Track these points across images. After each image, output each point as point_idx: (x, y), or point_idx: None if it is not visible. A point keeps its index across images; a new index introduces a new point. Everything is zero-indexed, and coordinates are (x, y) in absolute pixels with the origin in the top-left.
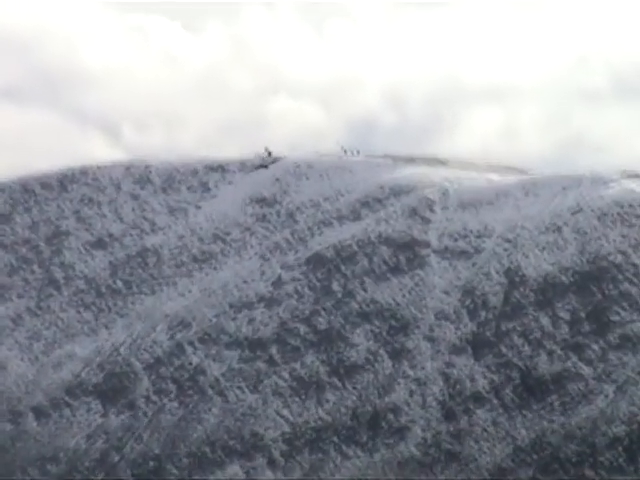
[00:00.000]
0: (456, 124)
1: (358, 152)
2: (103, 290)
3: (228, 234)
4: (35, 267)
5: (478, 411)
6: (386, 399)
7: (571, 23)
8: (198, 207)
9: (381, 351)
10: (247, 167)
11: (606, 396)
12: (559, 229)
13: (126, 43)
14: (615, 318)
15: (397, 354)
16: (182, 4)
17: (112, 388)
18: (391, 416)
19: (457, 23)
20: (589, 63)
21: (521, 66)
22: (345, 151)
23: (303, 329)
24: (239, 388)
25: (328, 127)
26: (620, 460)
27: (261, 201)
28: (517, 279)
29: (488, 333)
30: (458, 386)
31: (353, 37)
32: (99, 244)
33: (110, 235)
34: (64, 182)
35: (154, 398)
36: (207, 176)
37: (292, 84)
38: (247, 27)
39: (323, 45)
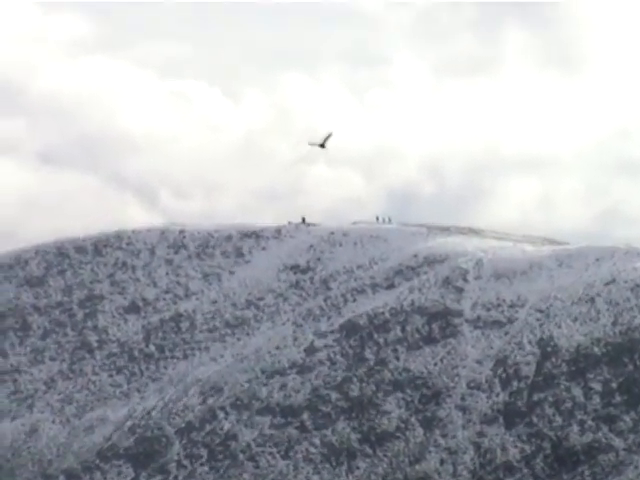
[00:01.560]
0: (493, 194)
1: (390, 220)
2: (136, 354)
3: (261, 300)
4: (68, 330)
5: None
6: (417, 467)
7: (610, 94)
8: (232, 273)
9: (413, 419)
10: (282, 234)
11: (636, 467)
12: (592, 300)
13: (166, 109)
14: None
15: (429, 423)
16: (222, 71)
17: (143, 452)
18: None
19: (497, 93)
20: (628, 134)
21: (560, 137)
22: (377, 219)
23: (335, 396)
24: (270, 454)
25: (367, 196)
26: None
27: (295, 268)
28: (549, 349)
29: (520, 403)
30: (489, 455)
31: (393, 107)
32: (133, 308)
33: (144, 299)
34: (99, 246)
35: (185, 463)
36: (241, 242)
37: (331, 152)
38: (288, 95)
39: (364, 114)
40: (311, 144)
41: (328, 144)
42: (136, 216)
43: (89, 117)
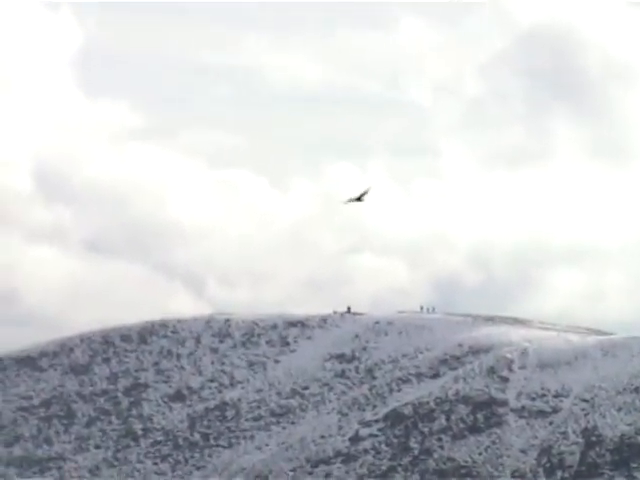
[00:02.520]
0: (540, 284)
1: (434, 309)
2: (181, 442)
3: (307, 389)
4: (113, 418)
5: None
6: None
7: None
8: (277, 361)
9: None
10: (327, 323)
11: None
12: (636, 390)
13: (214, 198)
14: None
15: None
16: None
17: None
18: None
19: (544, 184)
20: None
21: (607, 228)
22: (422, 308)
23: None
24: None
25: (412, 285)
26: None
27: (340, 357)
28: (594, 439)
29: None
30: None
31: (440, 196)
32: (178, 396)
33: (189, 388)
34: (144, 334)
35: None
36: (287, 331)
37: (377, 242)
38: (334, 184)
39: (410, 204)
40: (348, 200)
41: (366, 198)
42: (183, 305)
43: (137, 205)
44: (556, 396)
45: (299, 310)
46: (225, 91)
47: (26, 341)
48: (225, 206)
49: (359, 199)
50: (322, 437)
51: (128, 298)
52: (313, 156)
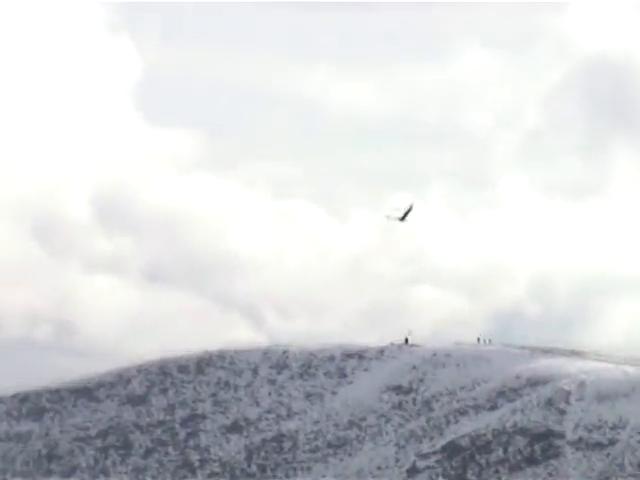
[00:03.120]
0: (600, 316)
1: (490, 341)
2: (238, 474)
3: (364, 420)
4: (170, 449)
5: None
6: None
7: None
8: (334, 393)
9: None
10: (384, 354)
11: None
12: None
13: (273, 229)
14: None
15: None
16: (329, 190)
17: None
18: None
19: (605, 214)
20: None
21: None
22: (479, 340)
23: None
24: None
25: (471, 316)
26: None
27: (397, 388)
28: None
29: None
30: None
31: (500, 227)
32: (235, 428)
33: (246, 419)
34: (201, 365)
35: None
36: (344, 362)
37: (437, 272)
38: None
39: (470, 234)
40: (390, 217)
41: (409, 218)
42: (241, 336)
43: (196, 236)
44: (613, 428)
45: (357, 341)
46: (286, 121)
47: (83, 371)
48: (284, 237)
49: (402, 219)
50: (379, 469)
51: (186, 329)
52: (372, 186)
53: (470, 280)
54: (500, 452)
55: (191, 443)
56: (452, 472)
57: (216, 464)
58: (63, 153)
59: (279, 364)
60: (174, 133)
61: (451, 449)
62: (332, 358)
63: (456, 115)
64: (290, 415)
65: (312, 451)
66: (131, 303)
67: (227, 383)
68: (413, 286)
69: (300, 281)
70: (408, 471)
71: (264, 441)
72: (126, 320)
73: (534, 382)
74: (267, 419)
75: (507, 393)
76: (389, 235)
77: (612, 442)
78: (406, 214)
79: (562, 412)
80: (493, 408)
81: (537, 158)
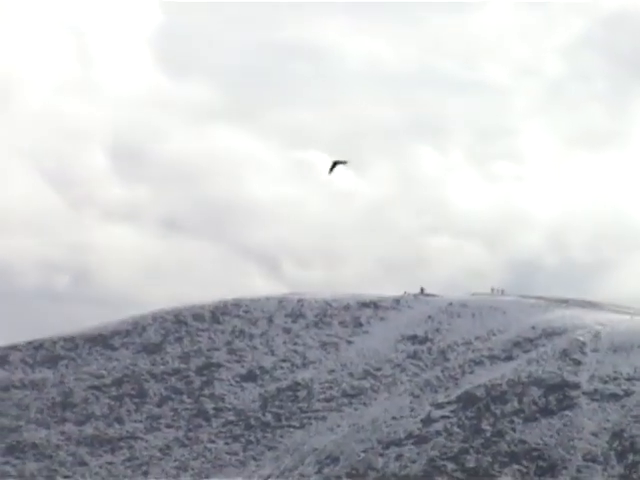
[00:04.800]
0: (617, 266)
1: (503, 292)
2: (252, 422)
3: (379, 370)
4: (185, 398)
5: None
6: None
7: None
8: (350, 342)
9: None
10: (400, 304)
11: None
12: None
13: (290, 179)
14: None
15: None
16: (347, 141)
17: None
18: None
19: (625, 165)
20: None
21: None
22: (492, 290)
23: (451, 467)
24: None
25: (488, 267)
26: None
27: (413, 338)
28: None
29: (635, 476)
30: None
31: (519, 178)
32: (250, 376)
33: (261, 368)
34: (216, 314)
35: None
36: (360, 312)
37: (455, 223)
38: (412, 165)
39: (489, 185)
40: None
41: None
42: (258, 285)
43: (213, 185)
44: (628, 379)
45: (374, 291)
46: (304, 72)
47: (99, 320)
48: (301, 187)
49: (331, 170)
50: (394, 419)
51: (202, 277)
52: (391, 137)
53: (488, 230)
54: (515, 402)
55: (206, 392)
56: (467, 422)
57: (231, 413)
58: (81, 103)
59: (294, 313)
60: (192, 83)
61: (466, 399)
62: (347, 307)
63: (477, 65)
64: (305, 364)
65: (327, 400)
66: (148, 252)
67: (242, 332)
68: (430, 236)
69: (317, 231)
70: (423, 421)
71: (279, 390)
72: (142, 269)
73: (549, 333)
74: (282, 368)
75: (522, 344)
76: (407, 185)
77: (627, 393)
78: (333, 167)
79: (577, 363)
80: (508, 358)
81: (557, 109)
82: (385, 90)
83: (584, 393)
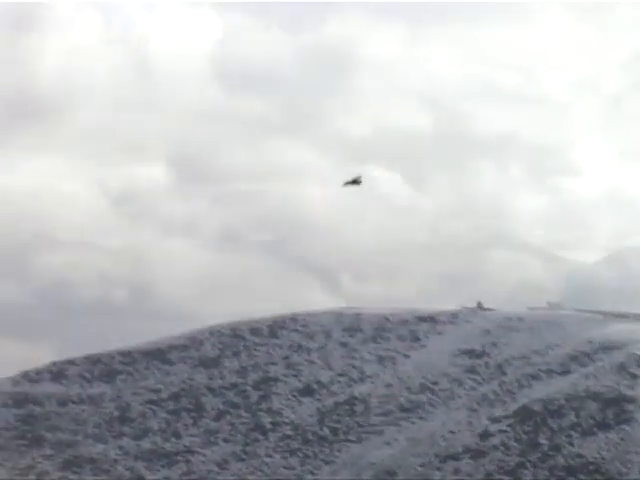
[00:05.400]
0: None
1: (559, 305)
2: (310, 437)
3: (436, 384)
4: (242, 412)
5: None
6: None
7: None
8: (407, 356)
9: None
10: (457, 318)
11: None
12: None
13: (349, 193)
14: None
15: None
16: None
17: None
18: None
19: None
20: None
21: None
22: (549, 304)
23: None
24: None
25: (546, 281)
26: None
27: (470, 352)
28: None
29: None
30: None
31: (576, 191)
32: (307, 391)
33: (318, 382)
34: (274, 328)
35: None
36: (417, 326)
37: (513, 237)
38: (471, 180)
39: (547, 198)
40: (345, 184)
41: (361, 180)
42: (316, 299)
43: (272, 199)
44: None
45: (433, 305)
46: (361, 85)
47: (156, 334)
48: (360, 201)
49: (355, 182)
50: (451, 433)
51: (260, 291)
52: (450, 151)
53: (546, 245)
54: (572, 416)
55: (263, 406)
56: (524, 436)
57: (288, 427)
58: (141, 118)
59: (352, 327)
60: (252, 98)
61: (523, 413)
62: (405, 321)
63: (536, 79)
64: (362, 378)
65: (384, 414)
66: (206, 266)
67: (300, 346)
68: (488, 250)
69: (375, 245)
70: (480, 435)
71: (336, 404)
72: (200, 283)
73: (607, 347)
74: (339, 382)
75: (579, 358)
76: (465, 200)
77: None
78: (349, 183)
79: (634, 377)
80: (565, 373)
81: (615, 123)
82: (444, 105)
83: None
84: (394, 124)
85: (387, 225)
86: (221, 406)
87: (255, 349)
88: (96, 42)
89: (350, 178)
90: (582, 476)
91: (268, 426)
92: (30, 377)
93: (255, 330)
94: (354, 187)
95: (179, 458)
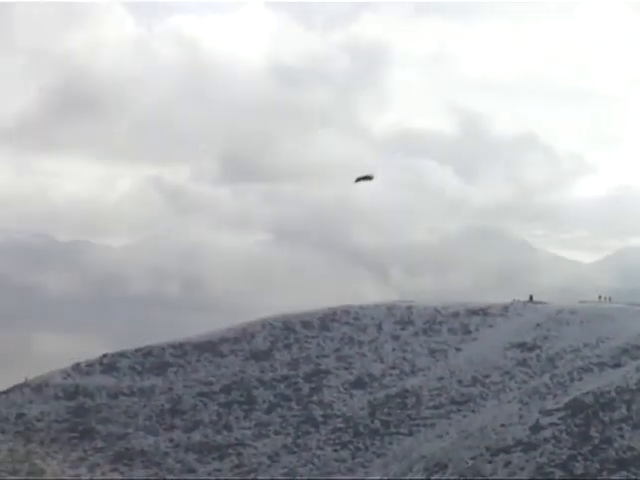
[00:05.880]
0: None
1: (610, 299)
2: (361, 429)
3: (487, 377)
4: (294, 404)
5: None
6: None
7: None
8: (458, 349)
9: None
10: (509, 311)
11: None
12: None
13: (402, 186)
14: None
15: None
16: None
17: None
18: None
19: None
20: None
21: None
22: (600, 298)
23: (560, 474)
24: None
25: (598, 274)
26: None
27: (521, 345)
28: None
29: None
30: None
31: (628, 185)
32: (359, 383)
33: (370, 375)
34: (325, 321)
35: None
36: (468, 319)
37: (564, 231)
38: (524, 174)
39: (600, 192)
40: (357, 179)
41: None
42: (367, 292)
43: (324, 191)
44: None
45: (484, 299)
46: (413, 78)
47: (207, 326)
48: (413, 194)
49: (367, 178)
50: (502, 426)
51: (312, 284)
52: (502, 144)
53: (598, 238)
54: (624, 410)
55: (314, 398)
56: (575, 429)
57: (339, 420)
58: (195, 111)
59: (403, 320)
60: (302, 91)
61: (575, 406)
62: (456, 314)
63: (588, 74)
64: (414, 371)
65: (435, 407)
66: (257, 259)
67: (351, 339)
68: (540, 244)
69: (428, 238)
70: (531, 428)
71: (388, 397)
72: (252, 276)
73: None
74: (391, 375)
75: (631, 351)
76: (516, 194)
77: None
78: (359, 179)
79: None
80: (617, 366)
81: None
82: (497, 98)
83: None
84: (447, 118)
85: (439, 218)
86: (272, 399)
87: (306, 342)
88: (150, 38)
89: (363, 174)
90: (633, 469)
91: (319, 419)
92: (81, 369)
93: (306, 323)
94: (366, 181)
95: (230, 451)
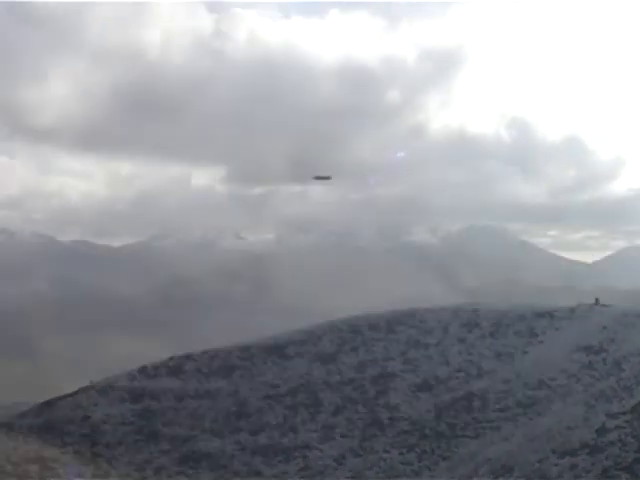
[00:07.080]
0: None
1: None
2: (427, 432)
3: (553, 380)
4: (360, 407)
5: None
6: None
7: None
8: (525, 352)
9: None
10: (575, 314)
11: None
12: None
13: (465, 186)
14: None
15: None
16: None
17: None
18: None
19: None
20: None
21: None
22: None
23: (625, 477)
24: None
25: None
26: None
27: (588, 348)
28: None
29: None
30: None
31: None
32: (425, 386)
33: (436, 378)
34: (392, 324)
35: None
36: (535, 322)
37: (627, 232)
38: (588, 173)
39: None
40: (316, 177)
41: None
42: (436, 294)
43: (390, 192)
44: None
45: (549, 301)
46: (484, 78)
47: (274, 329)
48: (476, 194)
49: (325, 178)
50: (568, 428)
51: (379, 286)
52: (571, 144)
53: None
54: None
55: (381, 401)
56: None
57: (406, 422)
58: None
59: (470, 323)
60: (371, 91)
61: None
62: (523, 317)
63: None
64: (480, 374)
65: (501, 410)
66: (324, 262)
67: (417, 341)
68: (610, 243)
69: (494, 240)
70: (597, 431)
71: (454, 400)
72: (319, 279)
73: None
74: (457, 378)
75: None
76: (582, 196)
77: None
78: (319, 177)
79: None
80: None
81: None
82: (559, 94)
83: None
84: (509, 119)
85: (509, 217)
86: (339, 401)
87: (373, 344)
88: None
89: (322, 174)
90: None
91: (386, 421)
92: (147, 372)
93: (373, 325)
94: (324, 180)
95: (296, 453)
